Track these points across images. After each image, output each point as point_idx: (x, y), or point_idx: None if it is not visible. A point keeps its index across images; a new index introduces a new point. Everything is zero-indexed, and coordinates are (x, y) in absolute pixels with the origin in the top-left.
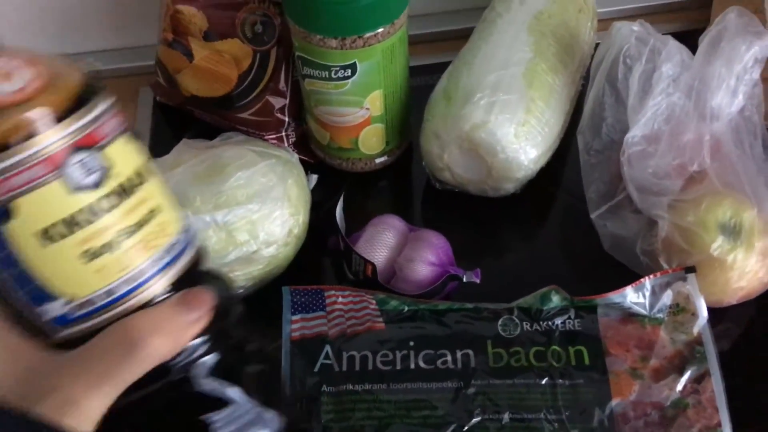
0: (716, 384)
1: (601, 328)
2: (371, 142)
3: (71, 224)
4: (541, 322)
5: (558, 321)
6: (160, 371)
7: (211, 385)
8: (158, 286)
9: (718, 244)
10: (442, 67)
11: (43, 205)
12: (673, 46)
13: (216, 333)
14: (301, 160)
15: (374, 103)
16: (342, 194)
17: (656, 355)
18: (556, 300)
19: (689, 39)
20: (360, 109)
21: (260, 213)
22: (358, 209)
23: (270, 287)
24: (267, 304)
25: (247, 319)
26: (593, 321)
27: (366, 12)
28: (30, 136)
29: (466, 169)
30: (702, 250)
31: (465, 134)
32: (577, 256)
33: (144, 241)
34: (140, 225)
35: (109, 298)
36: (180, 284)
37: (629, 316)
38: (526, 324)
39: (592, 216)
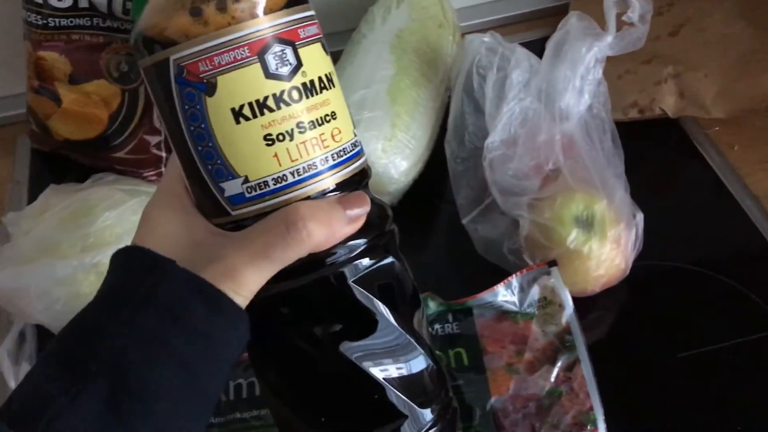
0: (586, 370)
1: (478, 328)
2: None
3: (261, 106)
4: None
5: (437, 326)
6: (314, 263)
7: (361, 293)
8: (326, 182)
9: (573, 237)
10: None
11: (240, 84)
12: (521, 53)
13: (371, 240)
14: None
15: None
16: None
17: (530, 348)
18: (433, 306)
19: None
20: None
21: None
22: None
23: None
24: None
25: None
26: (470, 322)
27: None
28: (246, 19)
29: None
30: (560, 243)
31: None
32: (456, 261)
33: (319, 138)
34: (319, 123)
35: (281, 184)
36: (345, 187)
37: (503, 313)
38: None
39: (464, 221)
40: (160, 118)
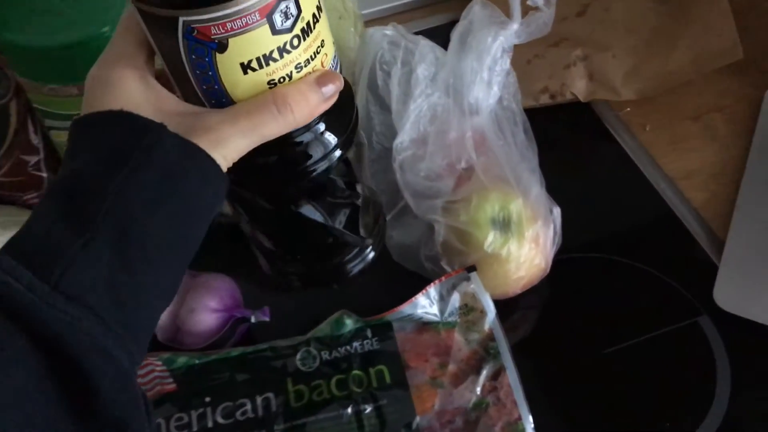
0: (512, 378)
1: (399, 343)
2: None
3: (267, 59)
4: (339, 349)
5: (356, 344)
6: (288, 140)
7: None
8: None
9: (490, 241)
10: None
11: (249, 44)
12: (425, 45)
13: (337, 120)
14: None
15: None
16: None
17: (453, 359)
18: (349, 323)
19: None
20: None
21: None
22: None
23: None
24: None
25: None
26: (390, 337)
27: (96, 53)
28: None
29: None
30: (477, 248)
31: None
32: (372, 270)
33: (312, 70)
34: (312, 58)
35: None
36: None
37: (424, 325)
38: (325, 353)
39: None
40: (156, 51)
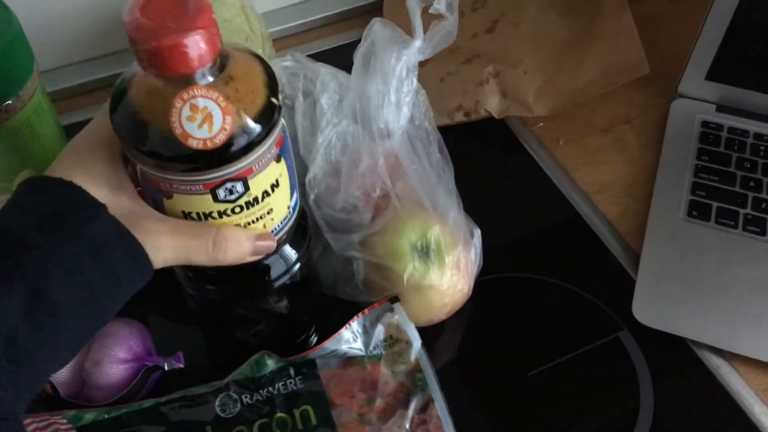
0: (440, 409)
1: (324, 381)
2: None
3: (207, 216)
4: (261, 391)
5: (279, 384)
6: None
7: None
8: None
9: (409, 272)
10: None
11: (191, 202)
12: (326, 73)
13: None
14: None
15: None
16: None
17: (380, 393)
18: (270, 363)
19: None
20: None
21: None
22: None
23: None
24: None
25: None
26: (314, 376)
27: None
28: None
29: None
30: (398, 282)
31: None
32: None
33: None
34: (255, 221)
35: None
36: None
37: (348, 360)
38: (246, 397)
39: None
40: None
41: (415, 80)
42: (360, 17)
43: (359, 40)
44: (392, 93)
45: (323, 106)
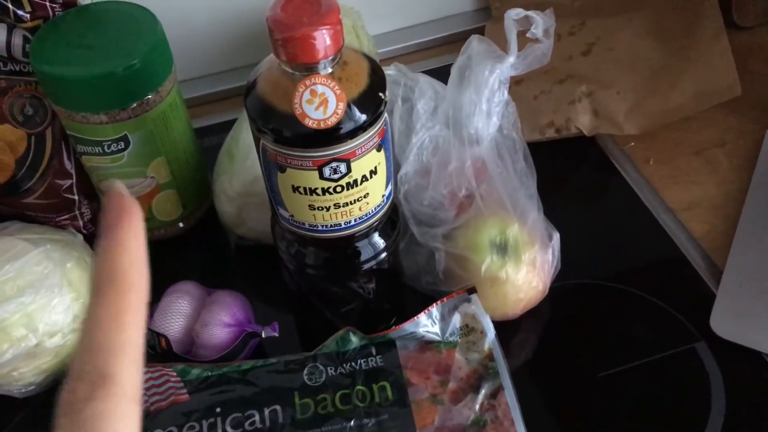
0: (509, 397)
1: (401, 360)
2: (167, 209)
3: (311, 191)
4: (344, 365)
5: (360, 360)
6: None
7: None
8: (346, 233)
9: (487, 264)
10: (233, 124)
11: (300, 177)
12: (424, 82)
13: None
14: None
15: (158, 170)
16: None
17: (453, 377)
18: (354, 341)
19: None
20: (145, 179)
21: (36, 304)
22: (162, 279)
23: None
24: None
25: None
26: (393, 355)
27: (125, 84)
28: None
29: (260, 222)
30: (476, 273)
31: (249, 188)
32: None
33: (349, 211)
34: (352, 203)
35: (314, 228)
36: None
37: (426, 343)
38: (331, 369)
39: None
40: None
41: (506, 92)
42: (461, 42)
43: (449, 65)
44: (484, 103)
45: (419, 111)
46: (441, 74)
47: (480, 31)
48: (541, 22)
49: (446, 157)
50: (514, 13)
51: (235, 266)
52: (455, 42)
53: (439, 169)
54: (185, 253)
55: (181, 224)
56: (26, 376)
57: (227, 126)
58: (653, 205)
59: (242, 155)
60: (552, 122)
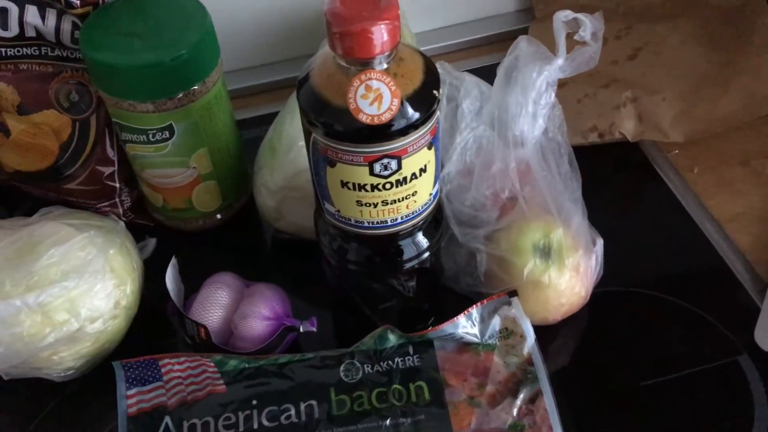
0: (548, 402)
1: (439, 361)
2: (206, 200)
3: (360, 187)
4: (381, 363)
5: (398, 359)
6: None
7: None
8: (390, 230)
9: (530, 267)
10: (274, 117)
11: (350, 172)
12: (470, 82)
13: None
14: (140, 225)
15: (200, 161)
16: (173, 259)
17: (491, 380)
18: (392, 339)
19: None
20: (187, 169)
21: (79, 289)
22: (199, 269)
23: (107, 363)
24: (107, 380)
25: None
26: (431, 355)
27: (173, 74)
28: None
29: (300, 216)
30: (517, 276)
31: (291, 182)
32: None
33: (396, 209)
34: (400, 200)
35: (360, 224)
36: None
37: (464, 345)
38: (368, 366)
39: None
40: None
41: (553, 95)
42: (504, 42)
43: (495, 65)
44: (530, 104)
45: (464, 111)
46: (481, 74)
47: (522, 32)
48: (589, 25)
49: (490, 158)
50: (563, 15)
51: (272, 259)
52: (496, 42)
53: (482, 170)
54: (222, 245)
55: (219, 216)
56: (66, 360)
57: (267, 119)
58: (697, 215)
59: (285, 149)
60: (595, 126)
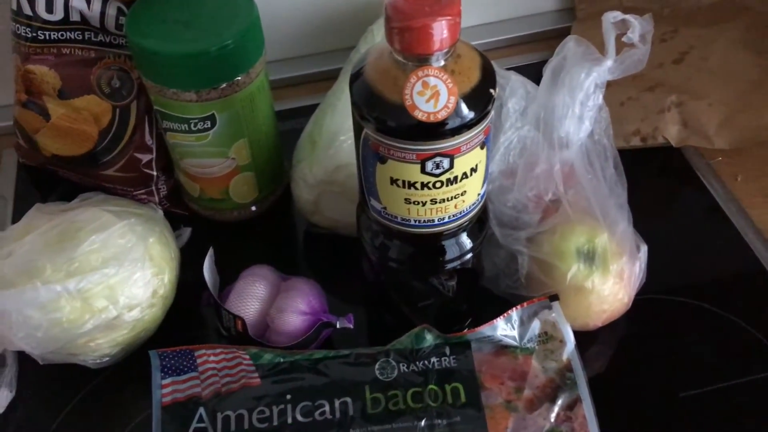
0: (587, 410)
1: (476, 363)
2: (243, 191)
3: (410, 185)
4: (417, 362)
5: (434, 359)
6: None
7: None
8: (436, 230)
9: (573, 272)
10: (313, 109)
11: (401, 169)
12: (516, 81)
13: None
14: (175, 214)
15: (240, 152)
16: (210, 250)
17: (529, 385)
18: (429, 339)
19: None
20: (226, 159)
21: (119, 276)
22: (233, 260)
23: (141, 351)
24: (141, 369)
25: None
26: (467, 357)
27: (218, 63)
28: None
29: (337, 211)
30: (560, 281)
31: (330, 177)
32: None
33: (444, 208)
34: (449, 200)
35: (406, 222)
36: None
37: (502, 348)
38: (403, 365)
39: None
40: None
41: (600, 97)
42: (544, 41)
43: (542, 61)
44: (577, 106)
45: (509, 110)
46: (521, 72)
47: (562, 31)
48: (638, 27)
49: (534, 159)
50: (612, 16)
51: (305, 253)
52: (536, 41)
53: (525, 171)
54: (256, 237)
55: (254, 207)
56: (102, 347)
57: (304, 111)
58: (740, 224)
59: (325, 143)
60: (638, 130)
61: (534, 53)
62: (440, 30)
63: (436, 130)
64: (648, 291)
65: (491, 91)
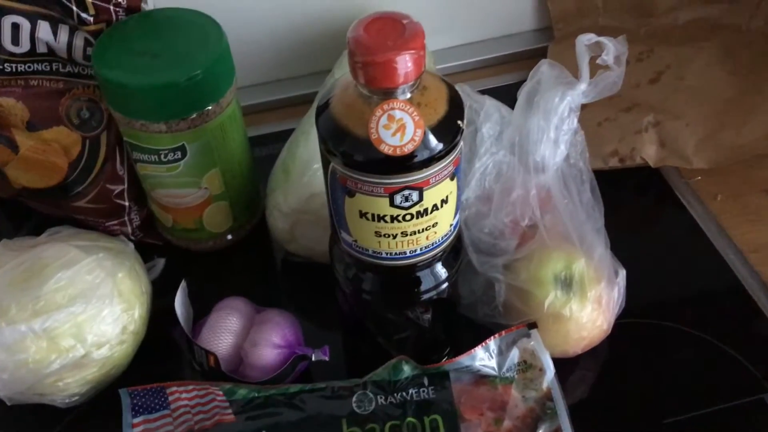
0: None
1: (455, 394)
2: (217, 221)
3: (379, 218)
4: (395, 394)
5: (412, 391)
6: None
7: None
8: (409, 261)
9: (551, 300)
10: (290, 134)
11: (370, 203)
12: (490, 105)
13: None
14: (149, 244)
15: (212, 182)
16: (182, 282)
17: (509, 415)
18: (407, 370)
19: None
20: (198, 189)
21: (86, 314)
22: (209, 291)
23: (112, 388)
24: (112, 407)
25: None
26: (446, 387)
27: (187, 94)
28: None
29: (313, 240)
30: (537, 308)
31: (305, 206)
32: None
33: (415, 240)
34: (420, 232)
35: (377, 255)
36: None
37: (481, 377)
38: (381, 398)
39: None
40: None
41: (575, 120)
42: (522, 61)
43: (520, 82)
44: (552, 130)
45: (484, 135)
46: (498, 93)
47: (540, 51)
48: (613, 49)
49: (510, 184)
50: (585, 39)
51: (283, 283)
52: (514, 62)
53: (501, 197)
54: (232, 266)
55: (229, 236)
56: (71, 386)
57: (279, 136)
58: (720, 245)
59: (298, 171)
60: (616, 151)
61: (512, 74)
62: (404, 63)
63: (404, 164)
64: (628, 315)
65: (459, 122)
